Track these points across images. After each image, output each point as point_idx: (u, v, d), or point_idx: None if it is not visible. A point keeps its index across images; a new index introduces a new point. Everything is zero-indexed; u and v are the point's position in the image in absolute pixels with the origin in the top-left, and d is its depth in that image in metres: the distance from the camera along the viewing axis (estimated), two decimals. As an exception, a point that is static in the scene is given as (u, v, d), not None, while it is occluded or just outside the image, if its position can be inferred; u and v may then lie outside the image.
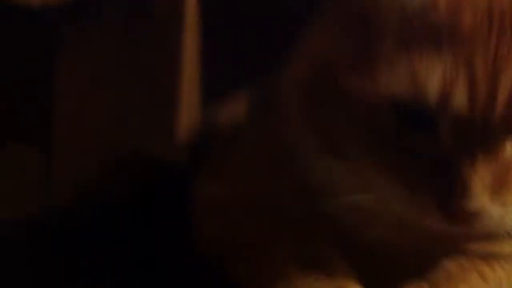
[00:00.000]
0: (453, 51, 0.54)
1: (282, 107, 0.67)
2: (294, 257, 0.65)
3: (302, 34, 0.67)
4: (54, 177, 0.87)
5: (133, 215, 0.80)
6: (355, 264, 0.64)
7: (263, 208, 0.68)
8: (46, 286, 0.71)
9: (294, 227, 0.67)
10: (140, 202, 0.82)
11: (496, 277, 0.67)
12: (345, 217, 0.64)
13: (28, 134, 0.88)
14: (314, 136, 0.62)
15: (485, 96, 0.54)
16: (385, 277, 0.64)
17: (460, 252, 0.66)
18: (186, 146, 0.90)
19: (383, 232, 0.63)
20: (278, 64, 0.73)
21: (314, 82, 0.61)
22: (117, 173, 0.88)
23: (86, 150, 0.87)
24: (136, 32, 0.87)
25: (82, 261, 0.74)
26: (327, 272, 0.63)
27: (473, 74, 0.54)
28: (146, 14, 0.88)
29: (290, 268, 0.63)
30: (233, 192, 0.71)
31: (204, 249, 0.71)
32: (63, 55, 0.87)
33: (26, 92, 0.88)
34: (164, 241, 0.76)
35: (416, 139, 0.56)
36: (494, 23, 0.55)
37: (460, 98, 0.54)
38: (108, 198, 0.85)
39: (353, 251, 0.65)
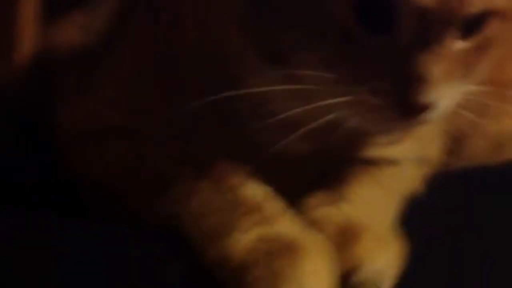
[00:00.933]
0: None
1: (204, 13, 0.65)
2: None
3: None
4: None
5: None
6: (268, 175, 0.66)
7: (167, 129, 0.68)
8: None
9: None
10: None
11: (386, 181, 0.74)
12: (275, 134, 0.64)
13: None
14: (253, 44, 0.62)
15: None
16: (294, 186, 0.68)
17: (357, 159, 0.73)
18: (26, 69, 0.85)
19: (292, 143, 0.64)
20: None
21: None
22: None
23: None
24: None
25: None
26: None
27: None
28: None
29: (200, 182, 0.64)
30: (119, 113, 0.69)
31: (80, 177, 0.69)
32: None
33: None
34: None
35: (374, 36, 0.58)
36: None
37: None
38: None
39: (266, 163, 0.66)
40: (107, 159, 0.70)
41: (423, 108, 0.58)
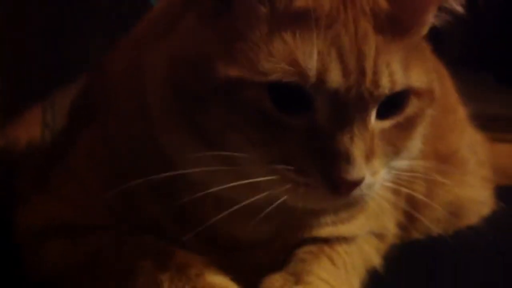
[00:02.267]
0: (321, 33, 0.59)
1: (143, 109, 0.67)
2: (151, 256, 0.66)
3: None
4: None
5: None
6: (221, 260, 0.67)
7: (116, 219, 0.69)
8: None
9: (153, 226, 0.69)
10: None
11: (341, 259, 0.74)
12: (211, 211, 0.66)
13: None
14: (187, 132, 0.64)
15: (356, 70, 0.59)
16: (248, 270, 0.68)
17: (309, 239, 0.73)
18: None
19: (242, 224, 0.67)
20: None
21: (183, 79, 0.63)
22: None
23: None
24: None
25: None
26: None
27: (343, 54, 0.59)
28: None
29: (145, 266, 0.65)
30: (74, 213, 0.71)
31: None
32: None
33: None
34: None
35: (294, 118, 0.60)
36: (348, 7, 0.61)
37: (335, 74, 0.59)
38: None
39: (218, 246, 0.69)
40: (61, 256, 0.71)
41: (349, 185, 0.60)
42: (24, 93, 0.94)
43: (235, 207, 0.62)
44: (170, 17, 0.66)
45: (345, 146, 0.59)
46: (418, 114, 0.65)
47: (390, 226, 0.87)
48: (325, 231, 0.74)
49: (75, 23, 1.03)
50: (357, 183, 0.60)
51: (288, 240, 0.73)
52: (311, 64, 0.58)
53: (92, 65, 0.85)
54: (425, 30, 0.67)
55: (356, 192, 0.61)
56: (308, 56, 0.58)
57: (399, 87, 0.61)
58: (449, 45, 3.47)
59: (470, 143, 1.07)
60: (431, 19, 0.67)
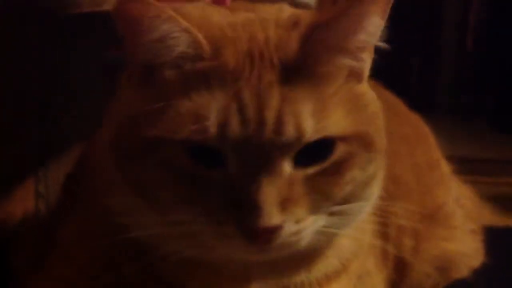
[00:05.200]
0: (224, 89, 0.62)
1: (98, 174, 0.70)
2: None
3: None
4: None
5: None
6: None
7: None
8: None
9: None
10: None
11: None
12: (172, 272, 0.68)
13: None
14: (132, 193, 0.66)
15: (256, 123, 0.61)
16: None
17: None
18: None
19: (204, 281, 0.68)
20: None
21: (120, 141, 0.66)
22: None
23: None
24: None
25: None
26: None
27: (243, 106, 0.61)
28: None
29: None
30: None
31: None
32: None
33: None
34: None
35: (212, 172, 0.62)
36: (255, 61, 0.63)
37: (233, 126, 0.61)
38: None
39: None
40: None
41: (264, 234, 0.61)
42: (17, 167, 0.96)
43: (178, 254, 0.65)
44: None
45: (254, 196, 0.60)
46: (347, 159, 0.65)
47: (381, 283, 0.88)
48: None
49: (69, 90, 1.05)
50: (272, 231, 0.61)
51: None
52: (212, 120, 0.60)
53: (86, 136, 0.87)
54: (342, 76, 0.66)
55: (278, 240, 0.62)
56: (209, 112, 0.61)
57: (310, 135, 0.61)
58: (439, 95, 3.53)
59: (457, 196, 1.09)
60: (352, 63, 0.67)
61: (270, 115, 0.61)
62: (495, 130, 3.18)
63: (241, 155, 0.61)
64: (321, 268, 0.73)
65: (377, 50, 0.69)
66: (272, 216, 0.60)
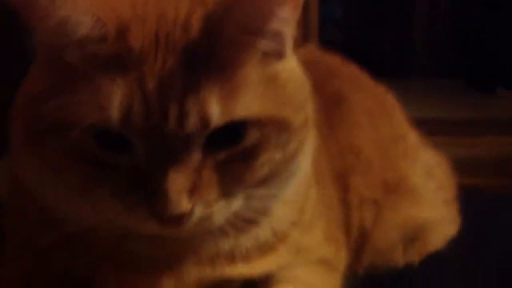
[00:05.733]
0: (128, 75, 0.59)
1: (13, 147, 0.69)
2: None
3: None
4: None
5: None
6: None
7: None
8: None
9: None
10: None
11: None
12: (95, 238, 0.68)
13: None
14: (42, 168, 0.65)
15: (159, 110, 0.59)
16: None
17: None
18: None
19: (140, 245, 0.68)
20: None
21: (28, 118, 0.64)
22: None
23: None
24: None
25: None
26: None
27: (146, 94, 0.59)
28: None
29: None
30: None
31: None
32: None
33: None
34: None
35: (119, 158, 0.61)
36: (161, 45, 0.60)
37: (138, 117, 0.59)
38: None
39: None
40: None
41: (173, 220, 0.61)
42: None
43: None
44: None
45: (161, 185, 0.59)
46: (261, 142, 0.63)
47: (330, 250, 0.85)
48: (235, 270, 0.72)
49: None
50: (181, 217, 0.61)
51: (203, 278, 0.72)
52: (114, 108, 0.58)
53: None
54: (253, 58, 0.63)
55: (189, 224, 0.62)
56: (111, 99, 0.59)
57: (216, 122, 0.60)
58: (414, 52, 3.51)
59: (427, 168, 1.07)
60: (266, 44, 0.64)
61: (172, 106, 0.59)
62: (472, 89, 3.18)
63: (147, 144, 0.60)
64: (250, 238, 0.72)
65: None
66: (180, 204, 0.60)
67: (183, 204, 0.60)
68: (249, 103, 0.61)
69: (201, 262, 0.70)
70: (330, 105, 0.98)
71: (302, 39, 2.03)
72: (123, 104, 0.58)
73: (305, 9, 2.10)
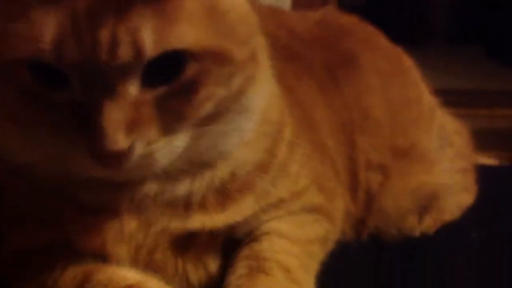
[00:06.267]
0: (60, 6, 0.57)
1: None
2: None
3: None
4: None
5: None
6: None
7: None
8: None
9: None
10: None
11: (273, 262, 0.72)
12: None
13: None
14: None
15: (90, 42, 0.57)
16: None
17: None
18: None
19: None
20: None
21: None
22: None
23: None
24: None
25: None
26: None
27: (77, 25, 0.57)
28: None
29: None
30: None
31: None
32: None
33: None
34: None
35: (58, 93, 0.59)
36: None
37: (70, 49, 0.57)
38: None
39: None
40: None
41: (113, 156, 0.58)
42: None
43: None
44: None
45: (97, 120, 0.57)
46: (201, 76, 0.60)
47: (321, 197, 0.83)
48: (196, 220, 0.71)
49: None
50: (120, 154, 0.58)
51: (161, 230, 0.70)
52: (46, 40, 0.56)
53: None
54: None
55: (129, 162, 0.59)
56: (43, 31, 0.56)
57: (150, 52, 0.57)
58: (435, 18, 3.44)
59: (444, 134, 1.03)
60: None
61: (103, 35, 0.56)
62: (494, 60, 3.11)
63: (82, 77, 0.58)
64: (204, 181, 0.70)
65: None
66: (117, 139, 0.57)
67: (120, 139, 0.57)
68: (185, 32, 0.58)
69: (160, 211, 0.69)
70: (338, 63, 0.96)
71: (321, 3, 1.99)
72: (56, 36, 0.56)
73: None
